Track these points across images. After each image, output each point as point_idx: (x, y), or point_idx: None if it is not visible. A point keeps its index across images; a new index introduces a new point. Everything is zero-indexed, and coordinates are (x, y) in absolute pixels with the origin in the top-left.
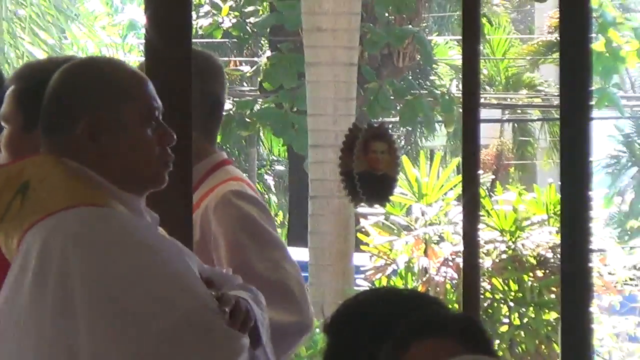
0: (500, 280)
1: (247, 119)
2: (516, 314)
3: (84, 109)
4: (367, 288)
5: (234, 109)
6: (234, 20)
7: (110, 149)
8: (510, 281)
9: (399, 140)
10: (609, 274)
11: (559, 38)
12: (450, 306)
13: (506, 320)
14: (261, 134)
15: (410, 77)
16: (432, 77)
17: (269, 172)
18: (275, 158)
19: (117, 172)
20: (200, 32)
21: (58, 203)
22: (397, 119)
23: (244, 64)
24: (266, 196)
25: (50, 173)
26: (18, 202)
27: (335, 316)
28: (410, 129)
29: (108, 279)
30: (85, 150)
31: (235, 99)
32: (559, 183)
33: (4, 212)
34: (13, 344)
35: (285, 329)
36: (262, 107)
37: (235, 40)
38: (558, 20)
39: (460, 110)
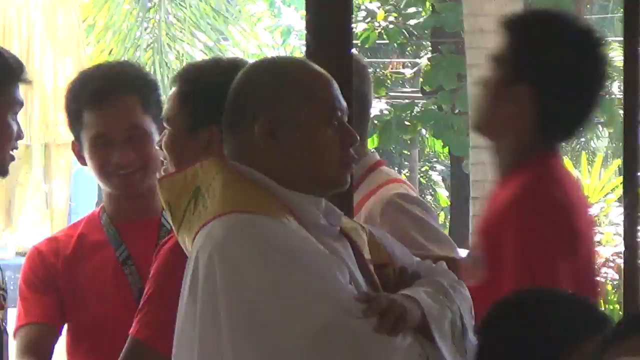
0: None
1: (406, 122)
2: None
3: (263, 107)
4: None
5: (392, 112)
6: (392, 24)
7: (289, 148)
8: None
9: None
10: None
11: None
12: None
13: None
14: (424, 132)
15: None
16: None
17: (434, 169)
18: (436, 159)
19: (295, 171)
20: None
21: (213, 211)
22: None
23: (405, 65)
24: (431, 191)
25: (214, 179)
26: (192, 206)
27: (485, 318)
28: None
29: (247, 291)
30: (263, 150)
31: (394, 101)
32: None
33: (182, 215)
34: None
35: None
36: (423, 109)
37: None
38: None
39: (621, 111)
